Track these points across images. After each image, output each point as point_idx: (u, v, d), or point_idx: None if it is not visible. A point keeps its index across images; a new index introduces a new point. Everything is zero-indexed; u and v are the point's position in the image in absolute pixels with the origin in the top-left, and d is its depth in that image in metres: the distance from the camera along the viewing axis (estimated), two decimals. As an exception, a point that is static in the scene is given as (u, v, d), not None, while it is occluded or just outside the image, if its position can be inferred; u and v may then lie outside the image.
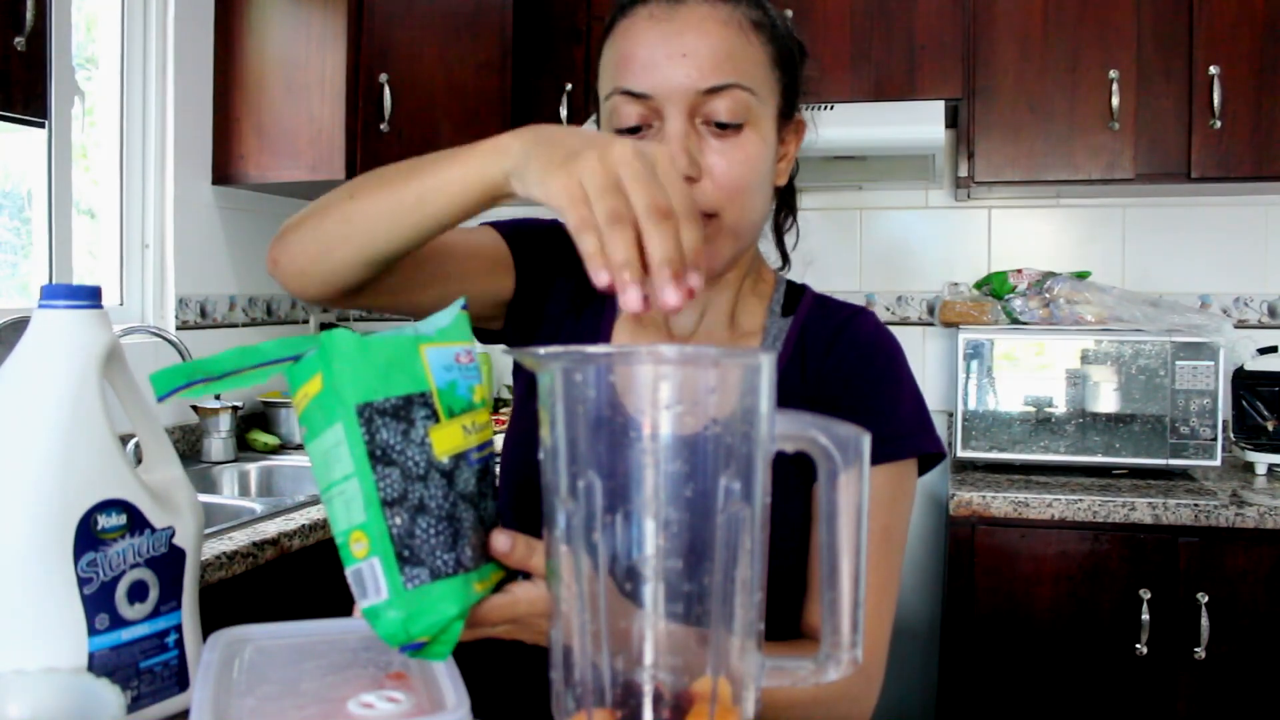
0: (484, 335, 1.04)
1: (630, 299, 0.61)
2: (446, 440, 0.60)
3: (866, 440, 0.55)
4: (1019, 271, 2.53)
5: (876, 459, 0.81)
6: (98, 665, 0.66)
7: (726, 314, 0.98)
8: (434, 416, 0.60)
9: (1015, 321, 2.43)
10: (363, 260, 0.82)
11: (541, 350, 0.54)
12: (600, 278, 0.62)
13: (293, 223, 0.87)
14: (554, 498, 0.54)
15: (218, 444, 2.35)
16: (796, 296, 1.00)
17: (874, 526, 0.88)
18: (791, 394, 0.92)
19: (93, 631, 0.59)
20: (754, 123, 0.87)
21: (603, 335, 1.00)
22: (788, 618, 0.91)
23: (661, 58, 0.85)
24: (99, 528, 0.61)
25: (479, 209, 0.76)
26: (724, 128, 0.86)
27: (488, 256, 0.99)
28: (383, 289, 0.88)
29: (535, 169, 0.68)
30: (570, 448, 0.53)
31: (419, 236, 0.79)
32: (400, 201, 0.77)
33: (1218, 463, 2.21)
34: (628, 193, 0.63)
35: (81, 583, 0.59)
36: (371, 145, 2.43)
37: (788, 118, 0.94)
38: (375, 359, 0.59)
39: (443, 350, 0.62)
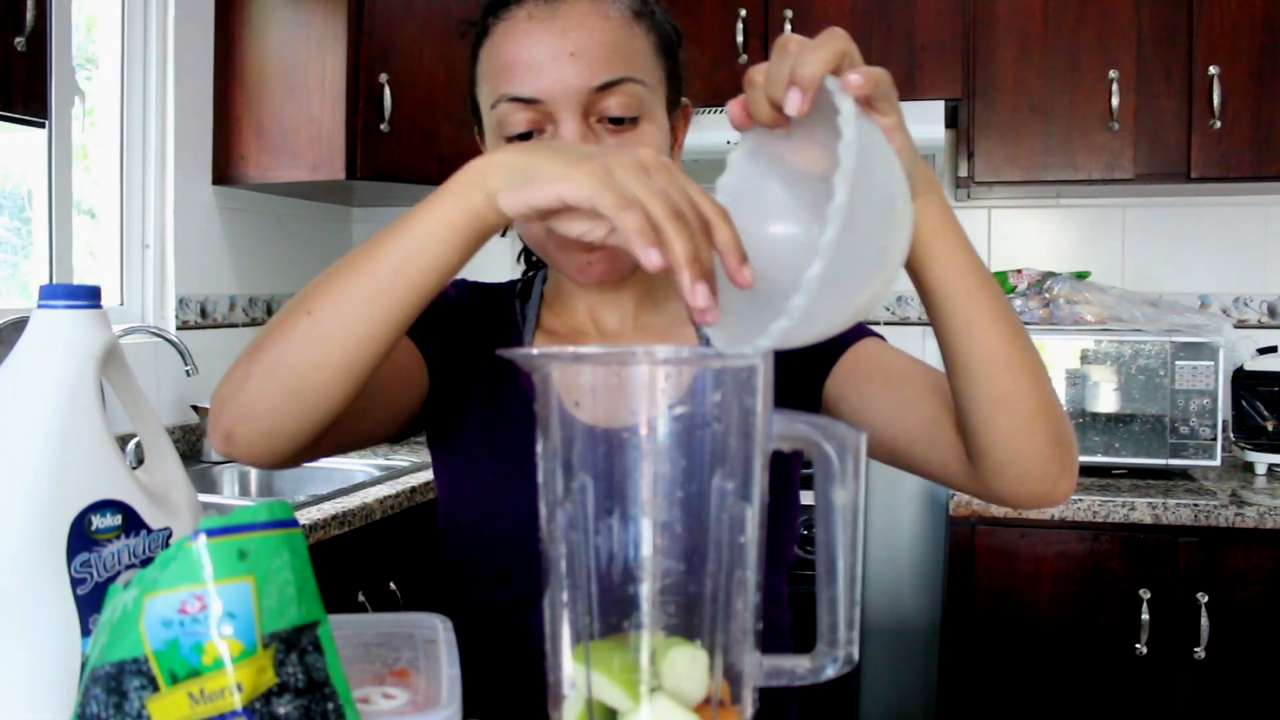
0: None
1: (699, 295, 0.56)
2: (168, 713, 0.49)
3: (863, 440, 0.55)
4: (1019, 271, 2.53)
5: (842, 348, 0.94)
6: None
7: (652, 303, 0.97)
8: (151, 685, 0.50)
9: (1015, 321, 2.43)
10: (350, 377, 0.71)
11: (536, 351, 0.54)
12: (651, 256, 0.57)
13: (233, 382, 0.74)
14: (551, 498, 0.54)
15: (218, 444, 2.35)
16: None
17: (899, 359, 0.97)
18: None
19: (86, 632, 0.59)
20: (648, 115, 0.86)
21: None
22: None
23: (548, 58, 0.82)
24: (93, 528, 0.60)
25: (465, 257, 0.68)
26: (619, 123, 0.84)
27: (395, 361, 0.89)
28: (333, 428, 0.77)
29: (548, 169, 0.62)
30: (564, 448, 0.53)
31: (404, 316, 0.70)
32: (375, 283, 0.68)
33: (1217, 463, 2.20)
34: (666, 186, 0.60)
35: (75, 583, 0.59)
36: (371, 145, 2.43)
37: (675, 105, 0.92)
38: (107, 616, 0.51)
39: (167, 599, 0.50)
